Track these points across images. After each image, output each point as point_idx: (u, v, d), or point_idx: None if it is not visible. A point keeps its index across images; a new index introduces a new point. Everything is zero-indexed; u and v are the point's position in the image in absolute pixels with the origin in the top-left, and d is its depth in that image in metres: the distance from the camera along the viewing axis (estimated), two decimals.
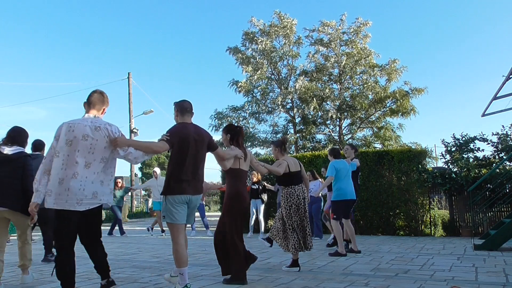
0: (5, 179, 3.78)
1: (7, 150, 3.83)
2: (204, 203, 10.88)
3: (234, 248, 4.04)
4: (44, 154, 5.60)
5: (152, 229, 10.76)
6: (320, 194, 8.14)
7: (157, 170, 10.76)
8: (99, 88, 3.52)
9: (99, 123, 3.22)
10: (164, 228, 10.32)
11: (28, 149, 4.43)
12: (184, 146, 3.52)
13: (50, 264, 5.50)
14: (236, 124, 4.66)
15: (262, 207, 9.89)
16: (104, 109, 3.41)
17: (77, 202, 3.06)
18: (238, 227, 4.16)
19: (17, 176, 3.80)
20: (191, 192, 3.55)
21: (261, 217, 9.87)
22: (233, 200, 4.16)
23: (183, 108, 3.75)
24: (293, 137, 17.50)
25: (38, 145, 5.71)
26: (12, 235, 10.12)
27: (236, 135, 4.33)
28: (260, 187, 9.84)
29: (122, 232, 10.55)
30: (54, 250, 5.68)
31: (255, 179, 9.90)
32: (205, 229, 10.71)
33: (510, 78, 7.54)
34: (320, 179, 9.24)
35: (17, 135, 4.01)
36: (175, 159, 3.54)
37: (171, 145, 3.48)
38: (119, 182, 10.98)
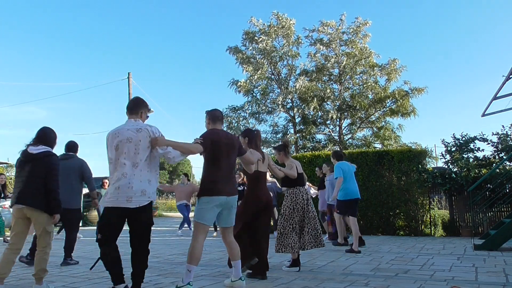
0: (27, 177, 3.81)
1: (33, 150, 3.88)
2: (190, 203, 10.91)
3: (261, 245, 4.37)
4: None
5: None
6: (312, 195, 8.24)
7: None
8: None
9: (140, 125, 3.47)
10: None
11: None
12: (217, 150, 3.76)
13: (67, 266, 5.44)
14: (253, 128, 4.87)
15: None
16: (142, 113, 3.63)
17: (127, 199, 3.26)
18: (244, 225, 4.38)
19: (40, 175, 3.80)
20: (227, 194, 3.73)
21: None
22: (248, 200, 4.44)
23: (214, 116, 4.01)
24: (293, 137, 17.50)
25: (72, 146, 5.73)
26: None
27: (253, 138, 4.53)
28: (246, 188, 9.86)
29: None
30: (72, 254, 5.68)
31: (240, 180, 10.01)
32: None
33: (510, 78, 7.54)
34: (308, 184, 9.08)
35: (44, 135, 4.04)
36: (210, 162, 3.78)
37: (204, 148, 3.70)
38: (106, 183, 10.85)
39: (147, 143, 3.40)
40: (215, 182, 3.70)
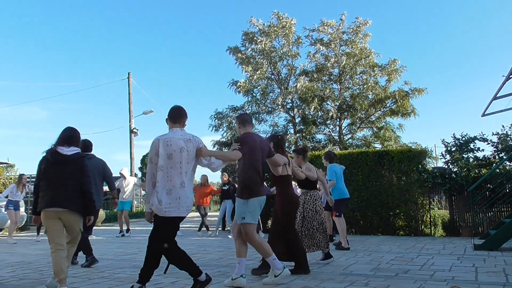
0: (63, 180, 3.73)
1: (66, 151, 3.81)
2: None
3: (298, 242, 4.60)
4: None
5: (127, 231, 10.54)
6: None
7: (126, 170, 10.63)
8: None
9: (188, 136, 3.66)
10: (124, 229, 10.44)
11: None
12: (254, 153, 3.99)
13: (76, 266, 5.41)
14: (278, 134, 5.06)
15: (231, 207, 10.04)
16: (184, 122, 3.79)
17: (186, 209, 3.52)
18: (291, 226, 4.65)
19: (76, 177, 3.77)
20: (263, 194, 4.05)
21: (228, 217, 10.18)
22: (285, 203, 4.61)
23: (244, 120, 4.27)
24: (293, 137, 17.50)
25: (89, 146, 5.69)
26: (15, 235, 10.12)
27: (279, 143, 4.73)
28: (231, 188, 10.03)
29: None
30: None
31: (225, 180, 10.17)
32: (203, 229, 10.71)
33: (510, 78, 7.55)
34: (294, 183, 9.16)
35: (73, 136, 3.99)
36: (248, 165, 3.97)
37: (242, 154, 3.91)
38: None
39: (194, 154, 3.62)
40: (257, 183, 3.97)
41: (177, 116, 3.74)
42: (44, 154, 3.85)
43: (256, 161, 4.00)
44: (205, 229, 10.57)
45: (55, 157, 3.77)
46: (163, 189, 3.44)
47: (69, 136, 3.94)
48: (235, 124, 4.22)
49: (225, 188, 10.19)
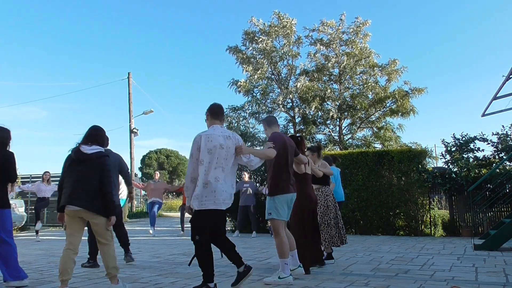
0: (82, 178, 3.70)
1: (87, 150, 3.80)
2: (161, 201, 10.83)
3: (300, 242, 4.55)
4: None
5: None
6: None
7: None
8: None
9: (227, 133, 3.81)
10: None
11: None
12: (285, 152, 4.17)
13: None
14: (298, 135, 5.25)
15: None
16: (223, 119, 3.97)
17: (222, 202, 3.60)
18: (305, 225, 4.70)
19: (94, 176, 3.72)
20: (293, 191, 4.23)
21: None
22: (302, 201, 4.66)
23: (270, 121, 4.54)
24: None
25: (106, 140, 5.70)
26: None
27: (298, 144, 4.80)
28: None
29: None
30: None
31: None
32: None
33: (510, 78, 7.55)
34: None
35: (98, 134, 3.97)
36: (279, 163, 4.16)
37: (277, 152, 4.04)
38: None
39: (233, 151, 3.75)
40: (286, 181, 4.15)
41: (219, 113, 3.89)
42: (69, 152, 3.87)
43: (285, 159, 4.18)
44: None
45: (77, 156, 3.78)
46: (200, 183, 3.56)
47: (92, 134, 3.93)
48: (263, 127, 4.43)
49: None
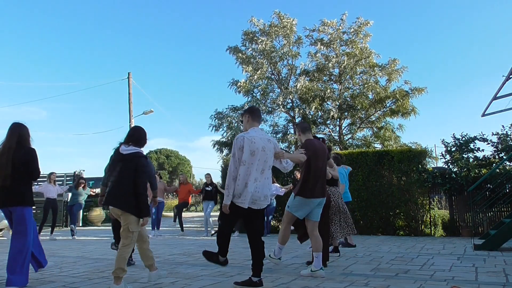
0: (119, 178, 3.80)
1: (124, 150, 3.88)
2: (163, 200, 10.95)
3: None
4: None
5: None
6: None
7: None
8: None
9: (267, 136, 4.00)
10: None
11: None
12: (316, 158, 4.35)
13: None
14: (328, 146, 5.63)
15: (213, 207, 10.54)
16: (260, 122, 4.17)
17: (252, 201, 3.76)
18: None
19: (129, 176, 3.76)
20: (322, 195, 4.43)
21: (208, 217, 10.48)
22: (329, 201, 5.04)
23: (304, 128, 4.70)
24: (293, 137, 17.49)
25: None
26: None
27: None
28: (214, 189, 10.41)
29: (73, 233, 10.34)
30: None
31: (209, 181, 10.47)
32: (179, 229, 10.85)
33: (510, 78, 7.55)
34: (276, 183, 9.87)
35: (134, 134, 4.01)
36: (309, 168, 4.32)
37: (307, 157, 4.25)
38: (82, 183, 10.75)
39: (272, 154, 3.93)
40: (313, 186, 4.32)
41: (258, 115, 4.09)
42: (113, 151, 4.07)
43: (316, 165, 4.36)
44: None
45: (116, 156, 3.93)
46: (242, 183, 3.71)
47: (130, 135, 4.00)
48: (296, 132, 4.71)
49: (208, 189, 10.42)
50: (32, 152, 4.12)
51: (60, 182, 13.96)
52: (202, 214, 11.01)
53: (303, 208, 4.36)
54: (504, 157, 9.06)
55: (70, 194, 11.36)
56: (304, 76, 17.36)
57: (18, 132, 4.11)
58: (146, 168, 3.90)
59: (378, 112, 17.32)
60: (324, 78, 18.20)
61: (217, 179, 13.25)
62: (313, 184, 4.33)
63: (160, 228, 10.69)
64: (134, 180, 3.73)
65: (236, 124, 17.74)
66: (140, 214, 3.76)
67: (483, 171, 9.02)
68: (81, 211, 14.87)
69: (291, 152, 5.83)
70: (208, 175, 10.70)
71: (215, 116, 18.08)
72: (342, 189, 7.10)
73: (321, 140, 5.07)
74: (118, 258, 3.71)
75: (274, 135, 18.51)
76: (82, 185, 10.74)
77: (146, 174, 3.90)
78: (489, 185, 8.93)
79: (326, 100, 17.41)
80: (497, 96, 8.19)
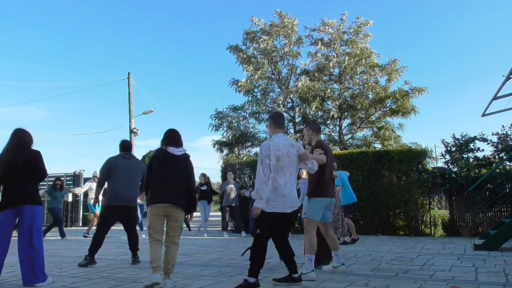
0: (173, 178, 4.00)
1: (176, 151, 4.08)
2: (143, 202, 10.69)
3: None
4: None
5: (88, 233, 10.45)
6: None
7: (98, 172, 10.66)
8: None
9: (291, 141, 4.13)
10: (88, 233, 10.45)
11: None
12: (328, 158, 4.47)
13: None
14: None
15: (210, 208, 10.83)
16: (284, 128, 4.33)
17: (289, 206, 3.91)
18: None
19: (183, 176, 4.05)
20: (331, 196, 4.55)
21: (207, 217, 10.71)
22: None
23: (317, 129, 4.86)
24: (293, 137, 17.49)
25: (130, 146, 6.02)
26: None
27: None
28: (208, 189, 10.59)
29: (63, 234, 10.10)
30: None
31: (204, 180, 10.54)
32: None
33: (510, 78, 7.54)
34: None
35: (179, 136, 4.21)
36: (322, 168, 4.39)
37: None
38: (58, 184, 10.49)
39: (297, 157, 4.07)
40: (326, 185, 4.48)
41: (281, 122, 4.23)
42: (155, 153, 4.16)
43: (330, 165, 4.55)
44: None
45: (167, 157, 4.05)
46: (271, 188, 3.85)
47: (171, 136, 4.16)
48: (308, 132, 4.76)
49: (203, 188, 10.45)
50: (37, 155, 4.21)
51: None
52: (199, 214, 11.02)
53: (320, 210, 4.44)
54: (504, 157, 9.06)
55: (70, 195, 11.28)
56: (304, 76, 17.35)
57: (19, 136, 4.20)
58: (193, 167, 4.24)
59: (378, 112, 17.32)
60: (324, 78, 18.20)
61: (217, 179, 13.25)
62: (328, 184, 4.51)
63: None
64: (187, 179, 4.07)
65: (236, 124, 17.74)
66: (190, 210, 4.13)
67: (483, 171, 9.01)
68: (80, 211, 14.90)
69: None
70: (202, 175, 10.68)
71: (215, 116, 18.08)
72: (338, 190, 7.51)
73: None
74: (173, 256, 3.90)
75: None
76: (59, 186, 10.45)
77: (193, 173, 4.25)
78: (489, 185, 8.93)
79: (326, 100, 17.41)
80: (497, 96, 8.19)
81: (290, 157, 3.98)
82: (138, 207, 10.34)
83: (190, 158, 4.21)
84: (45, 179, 4.49)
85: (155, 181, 4.01)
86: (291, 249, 4.05)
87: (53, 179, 11.18)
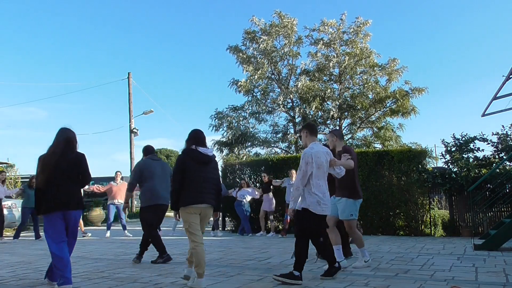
0: (206, 178, 4.05)
1: (207, 152, 4.13)
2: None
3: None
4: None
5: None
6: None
7: None
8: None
9: (325, 149, 4.52)
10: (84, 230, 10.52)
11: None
12: (355, 162, 4.90)
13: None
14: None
15: None
16: (335, 137, 5.09)
17: (326, 208, 4.30)
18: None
19: (214, 176, 4.17)
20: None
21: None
22: None
23: (341, 135, 5.37)
24: (293, 137, 17.49)
25: (153, 150, 6.21)
26: (24, 233, 10.11)
27: None
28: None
29: (38, 235, 9.76)
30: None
31: None
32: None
33: (510, 78, 7.54)
34: (250, 187, 10.51)
35: (204, 137, 4.28)
36: (355, 172, 4.96)
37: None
38: (34, 183, 10.43)
39: (328, 163, 4.45)
40: (358, 187, 5.06)
41: (315, 130, 4.59)
42: (186, 154, 4.09)
43: (356, 169, 4.99)
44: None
45: (201, 158, 4.06)
46: (309, 191, 4.21)
47: (197, 137, 4.19)
48: (333, 138, 5.22)
49: None
50: (82, 158, 4.12)
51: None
52: None
53: (356, 209, 5.00)
54: (504, 157, 9.05)
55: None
56: (304, 76, 17.35)
57: (66, 136, 4.07)
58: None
59: (378, 112, 17.32)
60: (324, 78, 18.21)
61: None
62: (358, 186, 5.06)
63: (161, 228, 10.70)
64: (217, 179, 4.22)
65: (236, 124, 17.74)
66: (218, 209, 4.36)
67: (483, 171, 9.01)
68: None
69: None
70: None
71: (215, 116, 18.08)
72: None
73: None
74: (202, 257, 3.94)
75: (274, 135, 18.53)
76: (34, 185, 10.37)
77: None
78: (489, 185, 8.92)
79: (326, 100, 17.42)
80: (497, 96, 8.18)
81: (326, 164, 4.39)
82: (114, 207, 10.35)
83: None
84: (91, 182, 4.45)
85: (191, 182, 3.96)
86: (326, 244, 4.52)
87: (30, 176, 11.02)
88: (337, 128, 18.18)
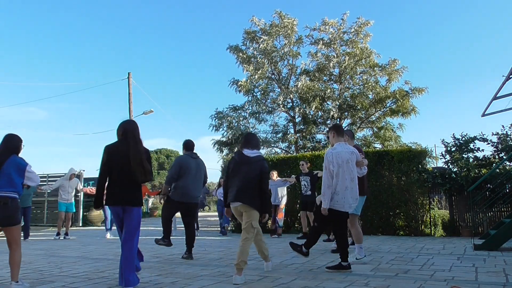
0: (245, 178, 4.26)
1: (249, 153, 4.38)
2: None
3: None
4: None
5: (60, 234, 10.18)
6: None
7: (73, 169, 10.35)
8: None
9: (351, 149, 4.71)
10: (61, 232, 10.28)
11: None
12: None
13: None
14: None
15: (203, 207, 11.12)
16: (344, 136, 4.95)
17: (349, 206, 4.58)
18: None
19: (255, 176, 4.29)
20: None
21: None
22: None
23: (353, 134, 5.58)
24: (293, 137, 17.50)
25: (193, 146, 6.25)
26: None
27: None
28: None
29: (26, 235, 9.52)
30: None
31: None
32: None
33: (510, 78, 7.54)
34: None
35: (255, 139, 4.57)
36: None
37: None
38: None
39: (355, 162, 4.66)
40: (367, 184, 5.43)
41: (342, 131, 4.82)
42: (233, 155, 4.53)
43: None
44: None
45: (241, 158, 4.38)
46: (334, 190, 4.45)
47: (249, 140, 4.50)
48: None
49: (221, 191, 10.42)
50: (146, 152, 4.05)
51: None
52: (204, 214, 11.04)
53: (362, 204, 5.33)
54: (504, 157, 9.05)
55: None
56: (304, 75, 17.35)
57: (133, 128, 4.01)
58: (267, 169, 4.52)
59: (378, 112, 17.32)
60: (324, 78, 18.21)
61: (217, 179, 13.21)
62: (367, 183, 5.39)
63: (160, 228, 10.69)
64: (260, 180, 4.30)
65: (236, 124, 17.74)
66: (264, 210, 4.38)
67: (483, 171, 9.01)
68: (81, 210, 14.82)
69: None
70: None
71: (215, 115, 18.08)
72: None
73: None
74: (241, 251, 4.10)
75: (274, 135, 18.54)
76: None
77: (267, 174, 4.57)
78: (489, 185, 8.92)
79: (326, 100, 17.42)
80: (497, 96, 8.18)
81: (350, 163, 4.55)
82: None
83: (265, 161, 4.51)
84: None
85: (230, 181, 4.37)
86: (347, 241, 4.72)
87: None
88: None
